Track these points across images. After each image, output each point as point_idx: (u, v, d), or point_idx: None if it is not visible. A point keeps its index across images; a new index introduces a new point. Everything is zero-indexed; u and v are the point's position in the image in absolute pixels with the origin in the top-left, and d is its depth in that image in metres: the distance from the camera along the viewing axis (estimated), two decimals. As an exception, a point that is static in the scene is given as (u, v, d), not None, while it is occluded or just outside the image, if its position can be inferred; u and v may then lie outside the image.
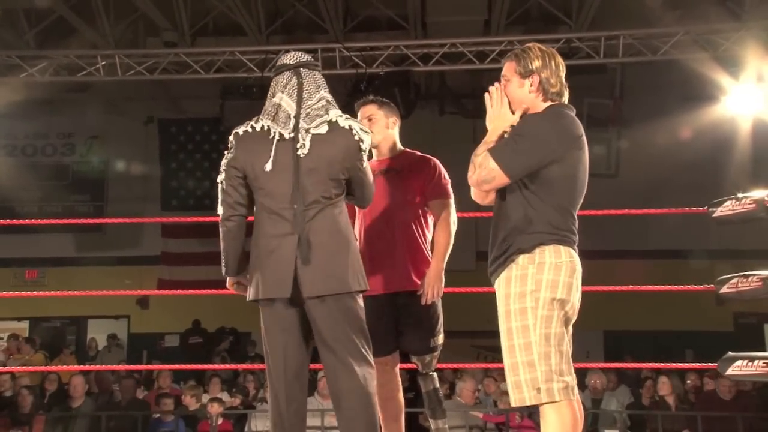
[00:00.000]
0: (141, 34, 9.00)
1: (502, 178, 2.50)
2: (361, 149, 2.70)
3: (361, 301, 2.72)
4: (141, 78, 8.25)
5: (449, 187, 3.30)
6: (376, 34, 8.62)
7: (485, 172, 2.51)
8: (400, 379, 3.36)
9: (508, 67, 2.64)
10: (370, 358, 2.70)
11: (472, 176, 2.56)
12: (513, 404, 2.46)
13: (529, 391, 2.40)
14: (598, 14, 7.95)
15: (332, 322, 2.66)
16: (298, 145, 2.64)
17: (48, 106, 10.80)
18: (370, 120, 3.30)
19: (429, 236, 3.30)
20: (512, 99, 2.63)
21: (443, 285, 3.19)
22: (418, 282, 3.19)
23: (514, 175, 2.49)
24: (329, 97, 2.77)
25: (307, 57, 2.83)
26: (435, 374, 3.41)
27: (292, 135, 2.65)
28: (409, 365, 3.73)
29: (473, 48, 7.88)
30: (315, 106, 2.71)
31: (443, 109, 10.39)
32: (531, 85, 2.60)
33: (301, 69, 2.77)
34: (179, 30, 8.45)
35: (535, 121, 2.55)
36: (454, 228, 3.26)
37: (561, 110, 2.59)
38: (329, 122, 2.67)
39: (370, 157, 3.39)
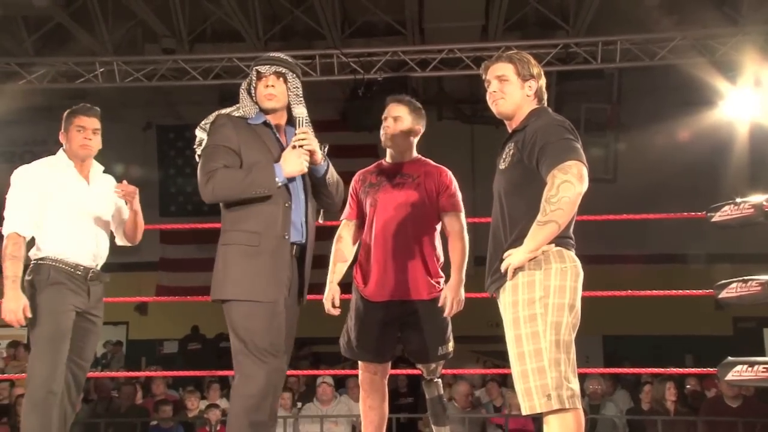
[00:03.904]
0: (139, 41, 9.00)
1: (584, 169, 2.41)
2: (198, 148, 2.85)
3: (240, 308, 2.70)
4: (139, 84, 8.25)
5: (460, 199, 3.28)
6: (373, 40, 8.63)
7: (576, 171, 2.37)
8: (386, 388, 3.33)
9: (505, 68, 2.64)
10: (247, 363, 2.66)
11: (572, 188, 2.36)
12: (524, 413, 2.42)
13: (540, 398, 2.37)
14: (595, 19, 7.97)
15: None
16: None
17: (46, 113, 10.76)
18: (396, 120, 3.25)
19: (438, 246, 3.28)
20: (509, 98, 2.63)
21: (463, 297, 3.15)
22: (427, 291, 3.16)
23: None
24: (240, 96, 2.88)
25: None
26: (440, 381, 3.39)
27: None
28: (410, 371, 3.72)
29: (471, 54, 7.89)
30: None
31: (441, 115, 10.39)
32: (529, 89, 2.63)
33: None
34: (177, 36, 8.46)
35: (554, 120, 2.55)
36: (467, 240, 3.24)
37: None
38: None
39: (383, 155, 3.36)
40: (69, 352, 3.10)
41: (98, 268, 3.26)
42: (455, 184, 3.28)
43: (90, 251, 3.22)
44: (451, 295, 3.10)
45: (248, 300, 2.69)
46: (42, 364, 3.02)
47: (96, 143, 3.35)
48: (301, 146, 2.76)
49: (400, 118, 3.25)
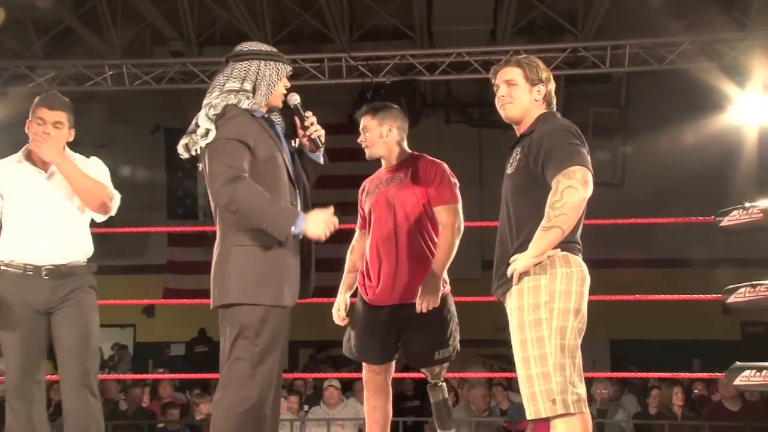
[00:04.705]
0: (148, 44, 9.04)
1: (588, 174, 2.41)
2: (202, 139, 2.58)
3: (254, 312, 2.54)
4: (148, 87, 8.29)
5: (456, 190, 3.20)
6: (382, 44, 8.65)
7: (580, 176, 2.37)
8: (390, 389, 3.32)
9: (514, 72, 2.64)
10: (243, 371, 2.58)
11: (576, 193, 2.36)
12: (528, 417, 2.43)
13: (544, 403, 2.37)
14: (603, 23, 7.96)
15: (222, 335, 2.63)
16: None
17: (55, 116, 10.84)
18: (364, 131, 3.28)
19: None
20: (517, 103, 2.63)
21: (442, 294, 3.09)
22: None
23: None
24: (226, 88, 2.69)
25: (242, 48, 2.83)
26: (444, 384, 3.37)
27: None
28: (416, 374, 3.70)
29: (479, 57, 7.89)
30: (202, 112, 2.65)
31: (449, 118, 10.40)
32: (538, 93, 2.63)
33: (229, 62, 2.80)
34: (186, 39, 8.49)
35: (561, 125, 2.54)
36: (459, 234, 3.16)
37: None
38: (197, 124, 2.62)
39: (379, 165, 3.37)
40: (65, 347, 3.04)
41: (60, 262, 3.02)
42: (443, 175, 3.19)
43: (42, 247, 2.99)
44: (421, 293, 3.04)
45: (265, 304, 2.55)
46: (6, 372, 3.00)
47: (59, 137, 3.08)
48: (315, 130, 2.74)
49: (366, 128, 3.27)
